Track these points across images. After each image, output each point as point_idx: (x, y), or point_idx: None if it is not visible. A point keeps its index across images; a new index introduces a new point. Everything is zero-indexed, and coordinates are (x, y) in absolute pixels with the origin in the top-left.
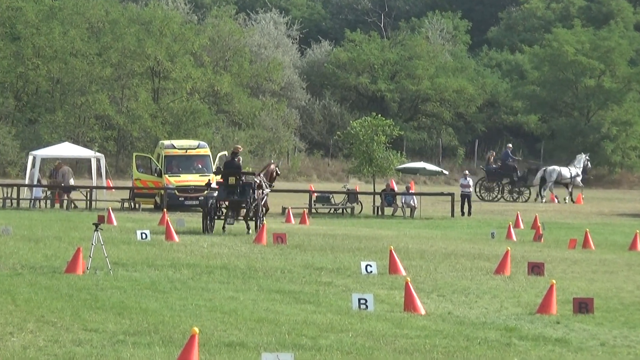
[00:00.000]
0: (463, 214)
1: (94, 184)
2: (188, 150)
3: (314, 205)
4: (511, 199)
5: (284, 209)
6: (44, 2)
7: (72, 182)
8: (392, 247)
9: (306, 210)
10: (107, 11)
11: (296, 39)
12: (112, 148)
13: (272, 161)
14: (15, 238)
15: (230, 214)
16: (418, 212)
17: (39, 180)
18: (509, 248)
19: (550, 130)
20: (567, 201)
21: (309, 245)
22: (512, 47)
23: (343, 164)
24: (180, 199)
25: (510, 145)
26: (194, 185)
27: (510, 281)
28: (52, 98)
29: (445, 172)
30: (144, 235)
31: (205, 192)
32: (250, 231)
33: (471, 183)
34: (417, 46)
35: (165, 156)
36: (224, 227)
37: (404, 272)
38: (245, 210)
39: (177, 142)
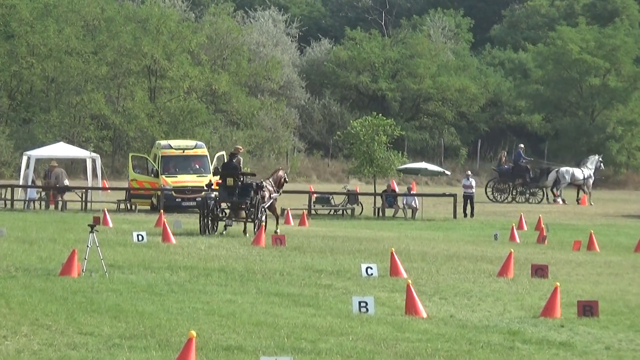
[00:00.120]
0: (465, 215)
1: (90, 185)
2: (185, 151)
3: (314, 206)
4: (522, 200)
5: (283, 210)
6: None
7: (66, 182)
8: (393, 249)
9: (305, 212)
10: (102, 9)
11: (295, 37)
12: (108, 148)
13: (281, 167)
14: (9, 240)
15: (229, 215)
16: (419, 214)
17: (33, 181)
18: (512, 250)
19: (554, 130)
20: (591, 203)
21: (309, 247)
22: (515, 45)
23: (343, 164)
24: (177, 200)
25: (522, 145)
26: (191, 186)
27: (514, 284)
28: (46, 97)
29: (447, 172)
30: (140, 237)
31: (203, 192)
32: (248, 234)
33: (474, 184)
34: (419, 44)
35: (162, 156)
36: (225, 228)
37: (405, 275)
38: (245, 211)
39: (174, 142)
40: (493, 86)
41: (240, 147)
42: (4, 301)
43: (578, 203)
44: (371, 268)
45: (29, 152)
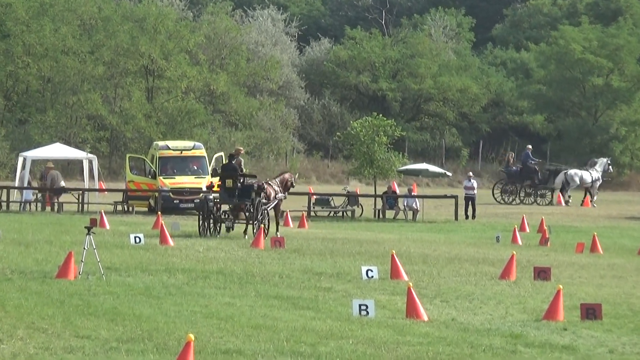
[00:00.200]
0: (467, 217)
1: (86, 186)
2: (183, 152)
3: (313, 208)
4: (529, 202)
5: (282, 212)
6: None
7: (62, 184)
8: (393, 252)
9: (305, 213)
10: (99, 8)
11: (295, 36)
12: (105, 149)
13: (289, 171)
14: (5, 242)
15: (230, 216)
16: (420, 215)
17: (29, 182)
18: (515, 252)
19: (556, 130)
20: (594, 205)
21: (308, 250)
22: (517, 44)
23: (343, 165)
24: (175, 201)
25: (530, 146)
26: (189, 188)
27: (516, 286)
28: (42, 97)
29: (448, 173)
30: (137, 239)
31: (201, 194)
32: (247, 236)
33: (475, 185)
34: (420, 44)
35: (159, 157)
36: (228, 230)
37: (406, 277)
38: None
39: (171, 143)
40: (495, 86)
41: (241, 148)
42: None
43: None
44: (371, 270)
45: (24, 153)
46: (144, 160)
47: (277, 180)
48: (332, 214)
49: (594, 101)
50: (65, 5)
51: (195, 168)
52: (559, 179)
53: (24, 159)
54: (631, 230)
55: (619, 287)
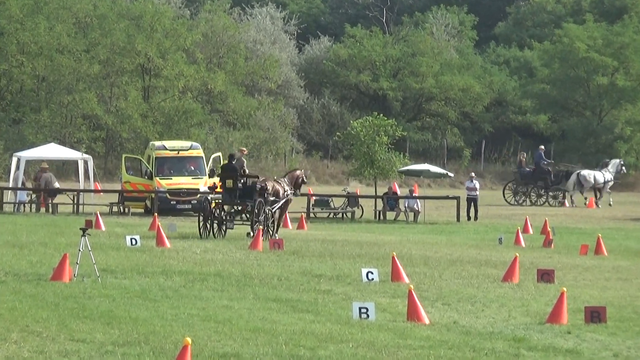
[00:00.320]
0: (469, 218)
1: (81, 187)
2: (180, 152)
3: (313, 209)
4: (540, 203)
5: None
6: None
7: (56, 185)
8: (394, 254)
9: (304, 215)
10: (95, 5)
11: (294, 34)
12: (101, 149)
13: (301, 170)
14: None
15: (230, 217)
16: (422, 217)
17: (23, 183)
18: (518, 254)
19: (560, 130)
20: (600, 205)
21: (307, 252)
22: (520, 43)
23: (343, 166)
24: (171, 202)
25: (543, 147)
26: (186, 189)
27: (519, 289)
28: (37, 97)
29: (450, 174)
30: (133, 241)
31: (198, 195)
32: (252, 235)
33: (477, 186)
34: (421, 42)
35: (156, 158)
36: (225, 231)
37: (407, 280)
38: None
39: (168, 143)
40: (498, 85)
41: (244, 149)
42: None
43: (597, 206)
44: (372, 273)
45: (18, 153)
46: (140, 160)
47: (286, 179)
48: (331, 216)
49: (599, 101)
50: (60, 3)
51: (193, 168)
52: (572, 179)
53: (18, 160)
54: (636, 232)
55: (623, 290)
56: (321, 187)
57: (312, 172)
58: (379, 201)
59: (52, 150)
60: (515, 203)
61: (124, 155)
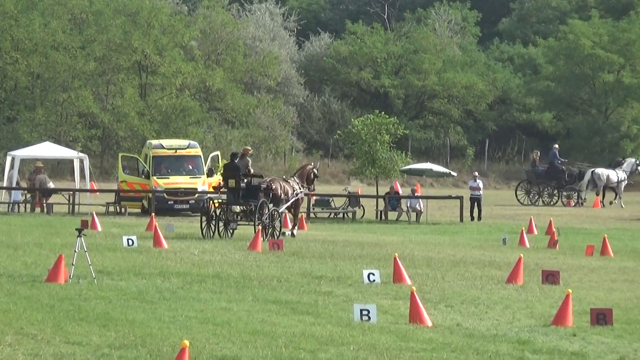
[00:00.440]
0: (472, 218)
1: (77, 187)
2: (178, 151)
3: (313, 209)
4: (552, 202)
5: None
6: None
7: (51, 185)
8: (396, 254)
9: (304, 215)
10: (90, 1)
11: (293, 31)
12: (97, 148)
13: (312, 164)
14: None
15: (234, 217)
16: (424, 217)
17: (17, 183)
18: (522, 255)
19: (565, 129)
20: (614, 205)
21: (308, 252)
22: (524, 39)
23: (344, 165)
24: (169, 202)
25: (557, 145)
26: (184, 188)
27: (523, 291)
28: (31, 94)
29: (453, 173)
30: (130, 242)
31: (196, 195)
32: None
33: (481, 185)
34: (423, 39)
35: (153, 157)
36: (232, 232)
37: (409, 281)
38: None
39: (165, 142)
40: (501, 83)
41: (249, 148)
42: None
43: (610, 204)
44: (373, 274)
45: (13, 152)
46: (137, 159)
47: (295, 177)
48: (332, 216)
49: (605, 98)
50: None
51: (191, 168)
52: (585, 178)
53: (13, 159)
54: None
55: (630, 292)
56: (322, 186)
57: None
58: (381, 201)
59: (47, 149)
60: (529, 203)
61: (120, 154)
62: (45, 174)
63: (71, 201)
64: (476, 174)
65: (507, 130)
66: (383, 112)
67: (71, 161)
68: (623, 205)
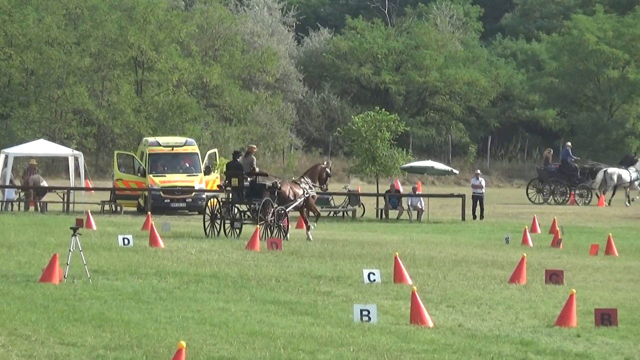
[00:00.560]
0: (475, 217)
1: (72, 185)
2: (174, 148)
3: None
4: (561, 201)
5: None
6: None
7: (44, 184)
8: (397, 254)
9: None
10: None
11: (292, 26)
12: (92, 145)
13: (324, 162)
14: None
15: (238, 217)
16: (425, 215)
17: (11, 181)
18: (525, 254)
19: (569, 126)
20: (629, 204)
21: (307, 252)
22: (528, 35)
23: (344, 162)
24: (165, 200)
25: (570, 143)
26: (181, 186)
27: (527, 290)
28: (25, 91)
29: (455, 171)
30: (126, 241)
31: (193, 193)
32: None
33: (483, 183)
34: (425, 34)
35: (149, 154)
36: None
37: (410, 281)
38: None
39: (162, 139)
40: (504, 79)
41: (254, 146)
42: None
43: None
44: (374, 274)
45: (6, 150)
46: (133, 157)
47: (305, 178)
48: (332, 214)
49: (609, 95)
50: None
51: (187, 165)
52: (599, 177)
53: (6, 156)
54: None
55: (635, 291)
56: None
57: None
58: (381, 199)
59: (42, 147)
60: (542, 201)
61: (116, 152)
62: (39, 173)
63: (66, 199)
64: (478, 171)
65: (510, 128)
66: (384, 109)
67: (66, 159)
68: (628, 204)
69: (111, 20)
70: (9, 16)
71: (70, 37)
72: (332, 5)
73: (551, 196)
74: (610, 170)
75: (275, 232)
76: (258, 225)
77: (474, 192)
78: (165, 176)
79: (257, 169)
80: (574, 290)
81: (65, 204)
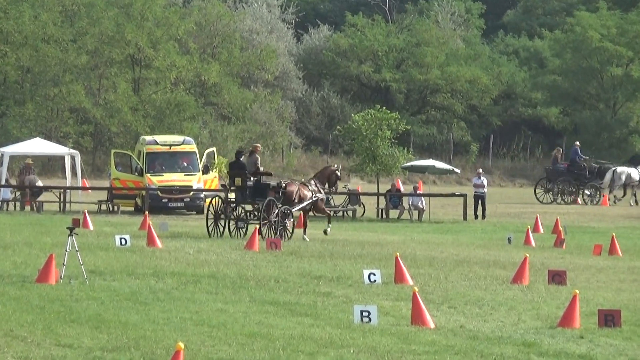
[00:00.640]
0: (476, 216)
1: (68, 184)
2: (172, 147)
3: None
4: (570, 200)
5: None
6: None
7: (40, 184)
8: (398, 254)
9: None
10: None
11: (292, 23)
12: (88, 144)
13: (334, 165)
14: None
15: (242, 216)
16: (427, 215)
17: (7, 180)
18: (528, 254)
19: (573, 124)
20: (633, 204)
21: (306, 252)
22: (530, 32)
23: (344, 161)
24: (163, 200)
25: (578, 142)
26: (179, 186)
27: (529, 291)
28: (21, 89)
29: (456, 170)
30: (123, 241)
31: (191, 192)
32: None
33: (485, 183)
34: (426, 31)
35: (146, 153)
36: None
37: (411, 282)
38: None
39: (160, 138)
40: (506, 77)
41: (258, 145)
42: None
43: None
44: (374, 274)
45: (2, 149)
46: (130, 156)
47: (314, 181)
48: (332, 214)
49: (613, 93)
50: None
51: (185, 164)
52: (607, 176)
53: (2, 155)
54: None
55: (639, 292)
56: None
57: (311, 168)
58: (382, 199)
59: (38, 146)
60: (551, 201)
61: (113, 151)
62: (34, 173)
63: (62, 199)
64: (480, 170)
65: (512, 126)
66: (384, 107)
67: (62, 158)
68: (632, 204)
69: (108, 17)
70: (4, 13)
71: (66, 34)
72: (331, 2)
73: (560, 196)
74: (620, 169)
75: (279, 232)
76: (259, 225)
77: (475, 192)
78: (163, 175)
79: (261, 169)
80: (577, 291)
81: (62, 204)
